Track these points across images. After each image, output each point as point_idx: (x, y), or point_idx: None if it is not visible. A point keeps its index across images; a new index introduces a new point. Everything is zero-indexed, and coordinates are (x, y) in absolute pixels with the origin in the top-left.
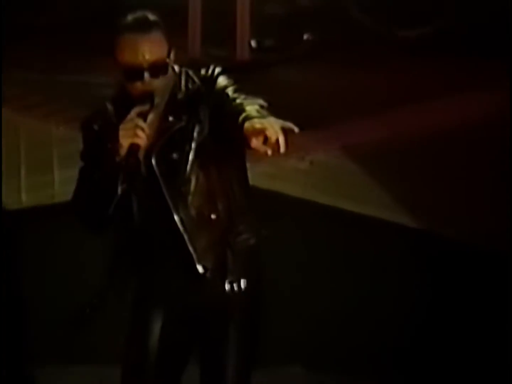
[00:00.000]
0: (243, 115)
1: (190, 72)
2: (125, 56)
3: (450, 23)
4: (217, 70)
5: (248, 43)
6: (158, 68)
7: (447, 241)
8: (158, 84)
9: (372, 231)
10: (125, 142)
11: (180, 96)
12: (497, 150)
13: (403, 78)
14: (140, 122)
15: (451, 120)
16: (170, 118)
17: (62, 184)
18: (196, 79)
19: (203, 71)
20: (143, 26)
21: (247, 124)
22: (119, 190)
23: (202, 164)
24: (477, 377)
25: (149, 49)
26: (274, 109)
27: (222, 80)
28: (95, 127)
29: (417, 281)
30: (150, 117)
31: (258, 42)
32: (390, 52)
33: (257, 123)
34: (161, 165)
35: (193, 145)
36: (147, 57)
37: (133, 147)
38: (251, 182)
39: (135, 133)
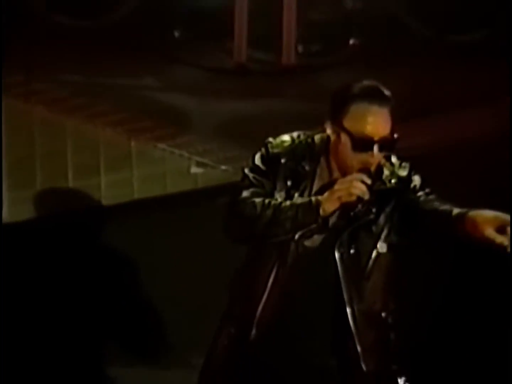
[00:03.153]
0: (456, 210)
1: (382, 161)
2: (357, 125)
3: (501, 29)
4: (408, 166)
5: (294, 47)
6: (387, 143)
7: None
8: (378, 161)
9: None
10: (342, 195)
11: (375, 185)
12: None
13: (452, 84)
14: (366, 178)
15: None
16: (359, 206)
17: (109, 187)
18: (387, 171)
19: (392, 161)
20: (381, 98)
21: (472, 214)
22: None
23: (382, 261)
24: (480, 376)
25: (383, 122)
26: (318, 115)
27: (415, 180)
28: (284, 160)
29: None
30: None
31: (304, 47)
32: (438, 57)
33: (487, 213)
34: (343, 253)
35: (379, 243)
36: (380, 130)
37: (348, 204)
38: None
39: (361, 188)
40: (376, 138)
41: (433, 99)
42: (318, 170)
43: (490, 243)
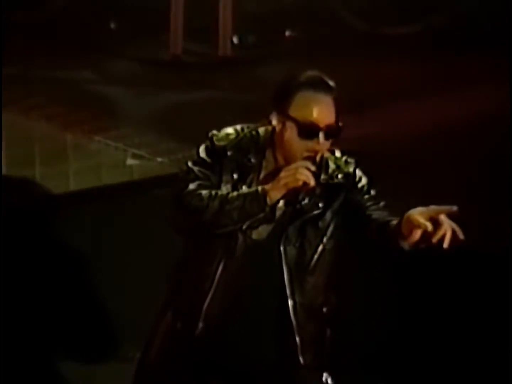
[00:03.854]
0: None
1: (327, 154)
2: (303, 112)
3: (439, 20)
4: (353, 162)
5: (230, 39)
6: (333, 131)
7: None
8: (323, 149)
9: None
10: (289, 181)
11: (317, 177)
12: (489, 148)
13: (387, 75)
14: (311, 165)
15: (436, 119)
16: (305, 200)
17: (43, 180)
18: (331, 163)
19: (336, 155)
20: (326, 87)
21: (405, 215)
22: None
23: (327, 257)
24: (479, 379)
25: (328, 110)
26: (254, 105)
27: (362, 179)
28: (230, 153)
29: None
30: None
31: (240, 39)
32: (373, 49)
33: (419, 209)
34: (287, 246)
35: (324, 238)
36: (325, 118)
37: (295, 190)
38: None
39: (307, 174)
40: (321, 125)
41: (368, 92)
42: (264, 163)
43: (428, 242)
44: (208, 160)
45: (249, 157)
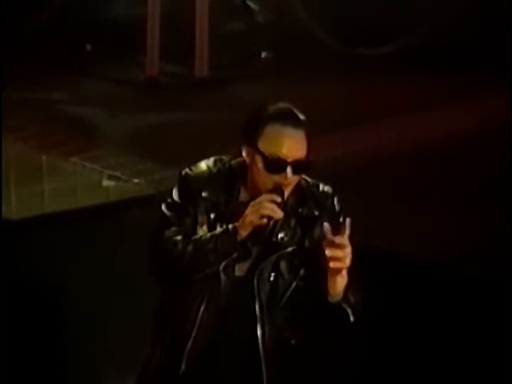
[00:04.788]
0: None
1: (304, 184)
2: (271, 146)
3: (412, 41)
4: (330, 191)
5: (206, 60)
6: (301, 166)
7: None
8: (292, 184)
9: None
10: (253, 219)
11: (293, 209)
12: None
13: (362, 95)
14: (276, 197)
15: (411, 138)
16: (281, 234)
17: (18, 201)
18: (311, 201)
19: (312, 185)
20: (296, 121)
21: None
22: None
23: (298, 293)
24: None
25: (297, 144)
26: (231, 126)
27: (341, 212)
28: (205, 194)
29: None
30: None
31: (217, 59)
32: (348, 69)
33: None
34: (261, 281)
35: (300, 272)
36: (293, 152)
37: (262, 227)
38: None
39: (271, 208)
40: (289, 160)
41: (345, 111)
42: (240, 196)
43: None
44: (181, 202)
45: (223, 195)
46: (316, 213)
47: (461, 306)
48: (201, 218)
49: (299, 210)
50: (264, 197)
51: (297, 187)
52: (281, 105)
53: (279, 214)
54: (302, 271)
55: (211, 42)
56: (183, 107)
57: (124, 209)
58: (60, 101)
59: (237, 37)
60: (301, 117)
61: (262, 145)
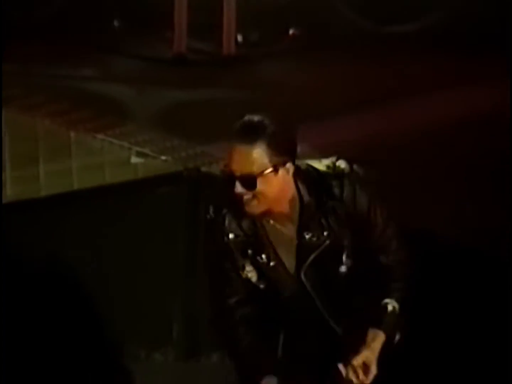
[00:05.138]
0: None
1: (311, 169)
2: (228, 161)
3: (438, 19)
4: (343, 165)
5: (234, 37)
6: (247, 182)
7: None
8: (247, 197)
9: None
10: None
11: (312, 206)
12: (491, 147)
13: (388, 74)
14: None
15: (437, 118)
16: (309, 234)
17: (47, 177)
18: (320, 178)
19: (326, 163)
20: (250, 137)
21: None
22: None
23: (355, 273)
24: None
25: (244, 160)
26: (258, 103)
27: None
28: (228, 235)
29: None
30: (286, 231)
31: (244, 37)
32: (376, 48)
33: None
34: (311, 284)
35: (343, 257)
36: (240, 167)
37: None
38: None
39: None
40: (236, 175)
41: (371, 90)
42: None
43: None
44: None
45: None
46: (334, 202)
47: (479, 285)
48: (240, 260)
49: (318, 202)
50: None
51: (308, 180)
52: (246, 118)
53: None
54: (344, 258)
55: (238, 19)
56: (211, 84)
57: (152, 186)
58: (87, 77)
59: (265, 14)
60: (261, 131)
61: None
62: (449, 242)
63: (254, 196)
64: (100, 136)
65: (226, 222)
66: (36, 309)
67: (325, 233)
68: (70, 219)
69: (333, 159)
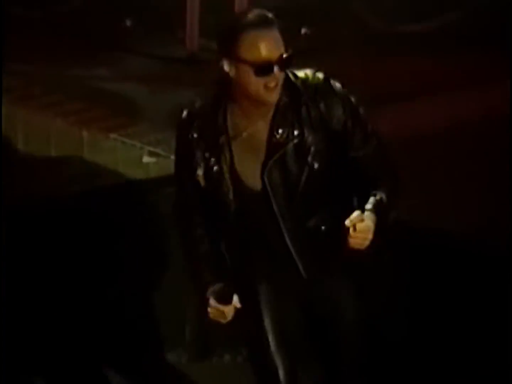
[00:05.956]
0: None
1: (290, 73)
2: (253, 52)
3: (453, 18)
4: (321, 75)
5: None
6: (285, 61)
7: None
8: (281, 80)
9: None
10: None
11: (287, 105)
12: (493, 146)
13: (403, 73)
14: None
15: (453, 116)
16: (280, 131)
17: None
18: (298, 83)
19: (305, 72)
20: (267, 22)
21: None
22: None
23: (312, 181)
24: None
25: (275, 43)
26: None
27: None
28: (193, 135)
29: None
30: (258, 126)
31: None
32: (390, 47)
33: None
34: (273, 183)
35: (309, 158)
36: (274, 51)
37: None
38: None
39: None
40: (273, 60)
41: (385, 90)
42: (228, 119)
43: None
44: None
45: (210, 127)
46: (310, 103)
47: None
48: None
49: (293, 104)
50: (212, 304)
51: (286, 82)
52: (251, 12)
53: (227, 319)
54: (309, 159)
55: None
56: None
57: (163, 185)
58: (100, 77)
59: (277, 13)
60: (270, 15)
61: (244, 53)
62: (449, 242)
63: (277, 83)
64: (112, 135)
65: (195, 123)
66: (53, 310)
67: (295, 132)
68: (81, 218)
69: (312, 70)
